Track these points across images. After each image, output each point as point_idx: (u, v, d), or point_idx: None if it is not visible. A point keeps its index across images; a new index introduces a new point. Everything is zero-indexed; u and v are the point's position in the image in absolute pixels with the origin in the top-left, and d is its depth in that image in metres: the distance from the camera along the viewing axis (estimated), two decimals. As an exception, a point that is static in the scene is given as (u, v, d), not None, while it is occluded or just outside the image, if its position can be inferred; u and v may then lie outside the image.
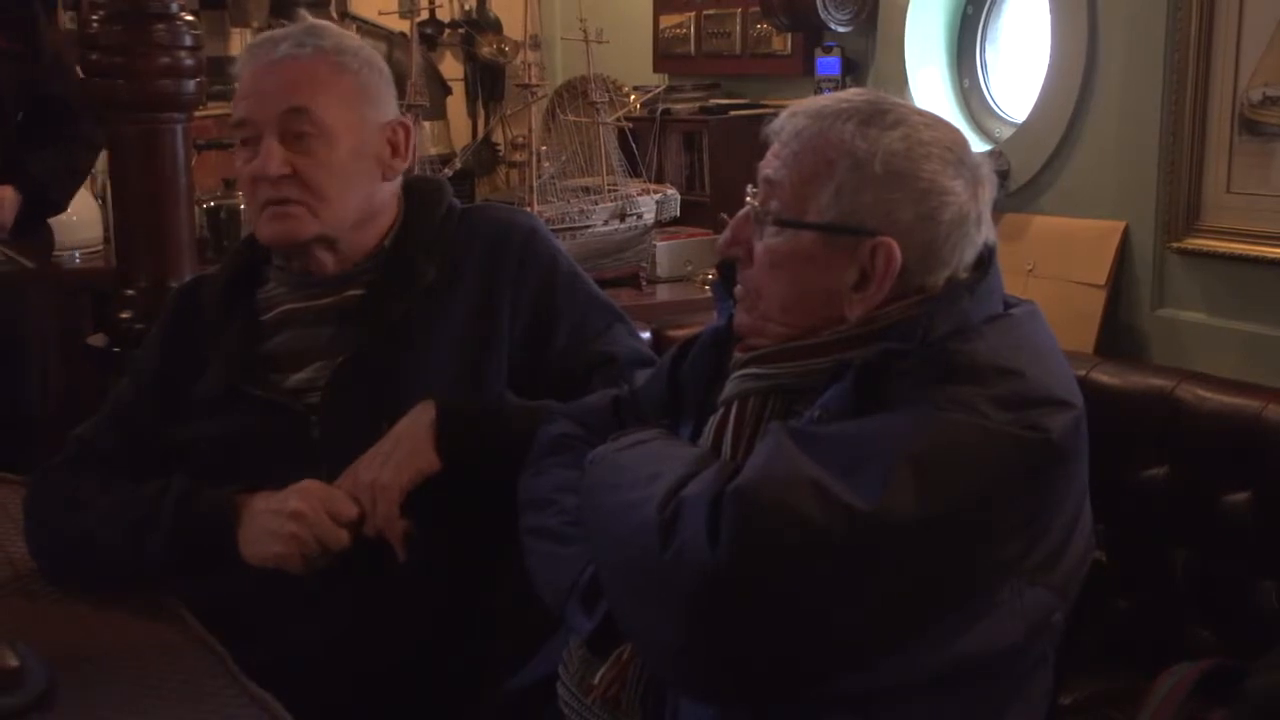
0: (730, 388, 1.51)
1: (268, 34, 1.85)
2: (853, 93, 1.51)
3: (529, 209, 3.45)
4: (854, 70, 3.49)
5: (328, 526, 1.68)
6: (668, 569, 1.32)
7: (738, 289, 1.53)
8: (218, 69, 4.32)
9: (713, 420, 1.52)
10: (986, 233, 1.48)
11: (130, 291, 2.82)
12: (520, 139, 4.48)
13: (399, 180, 1.91)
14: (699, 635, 1.31)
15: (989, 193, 1.49)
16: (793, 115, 1.49)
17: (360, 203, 1.83)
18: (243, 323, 1.86)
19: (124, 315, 2.83)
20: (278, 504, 1.70)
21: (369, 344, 1.81)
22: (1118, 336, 2.68)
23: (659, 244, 3.65)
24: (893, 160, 1.43)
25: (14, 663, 1.41)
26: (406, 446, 1.73)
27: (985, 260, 1.48)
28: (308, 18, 1.89)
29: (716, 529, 1.29)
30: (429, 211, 1.91)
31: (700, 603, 1.30)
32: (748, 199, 1.51)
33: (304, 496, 1.70)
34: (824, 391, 1.40)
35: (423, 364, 1.80)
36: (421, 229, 1.89)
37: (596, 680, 1.49)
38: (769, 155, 1.49)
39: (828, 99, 1.49)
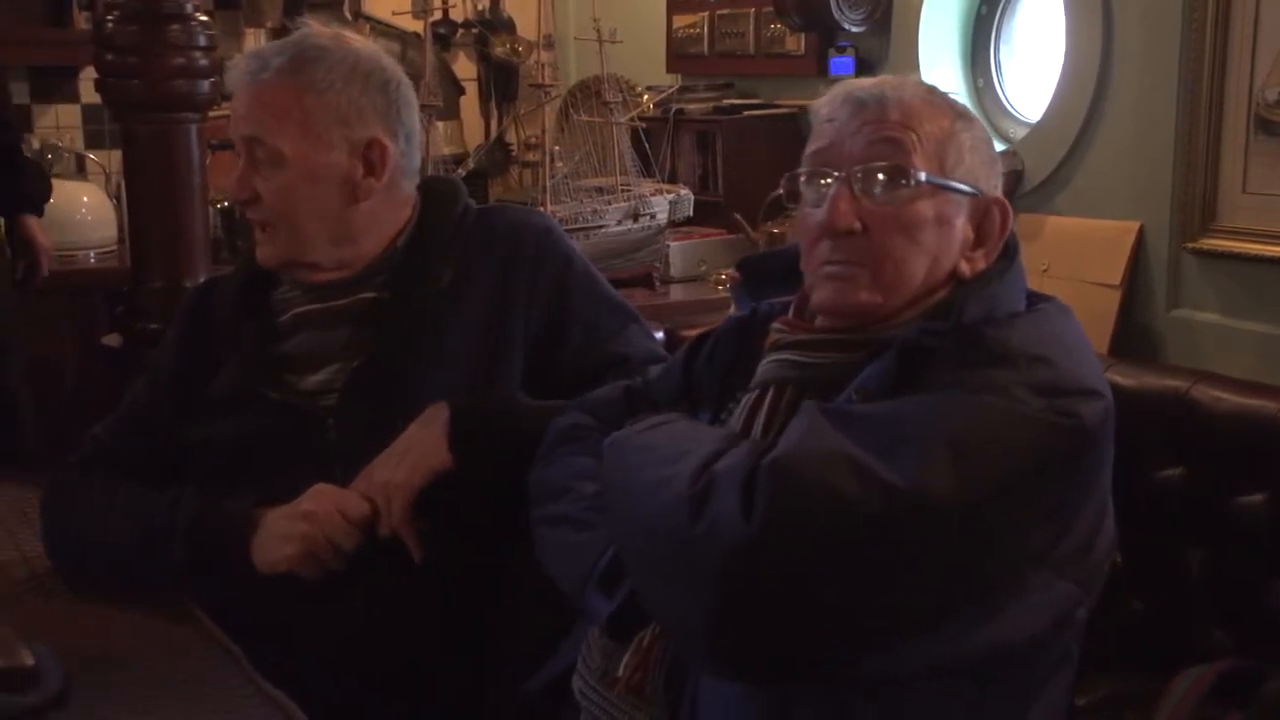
0: (767, 371, 1.51)
1: (248, 51, 1.85)
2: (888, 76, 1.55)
3: (542, 209, 3.45)
4: (868, 70, 3.48)
5: (339, 524, 1.68)
6: (699, 543, 1.31)
7: (846, 268, 1.48)
8: (232, 69, 4.33)
9: (746, 401, 1.52)
10: None
11: (145, 292, 2.83)
12: (533, 139, 4.49)
13: (410, 185, 1.89)
14: (729, 610, 1.31)
15: None
16: (879, 85, 1.51)
17: (327, 226, 1.81)
18: (258, 324, 1.86)
19: (138, 315, 2.83)
20: (290, 509, 1.70)
21: (385, 346, 1.80)
22: (1132, 337, 2.68)
23: (672, 244, 3.65)
24: (982, 131, 1.53)
25: (30, 662, 1.42)
26: (419, 448, 1.73)
27: (1011, 250, 1.52)
28: (309, 24, 1.88)
29: (750, 502, 1.29)
30: (444, 213, 1.90)
31: (732, 576, 1.29)
32: (839, 174, 1.48)
33: (315, 498, 1.70)
34: (864, 370, 1.42)
35: (438, 365, 1.80)
36: (436, 231, 1.88)
37: (621, 670, 1.49)
38: (869, 124, 1.48)
39: (896, 77, 1.54)
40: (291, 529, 1.68)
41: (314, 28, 1.86)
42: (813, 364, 1.48)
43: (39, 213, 3.60)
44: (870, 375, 1.40)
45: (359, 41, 1.87)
